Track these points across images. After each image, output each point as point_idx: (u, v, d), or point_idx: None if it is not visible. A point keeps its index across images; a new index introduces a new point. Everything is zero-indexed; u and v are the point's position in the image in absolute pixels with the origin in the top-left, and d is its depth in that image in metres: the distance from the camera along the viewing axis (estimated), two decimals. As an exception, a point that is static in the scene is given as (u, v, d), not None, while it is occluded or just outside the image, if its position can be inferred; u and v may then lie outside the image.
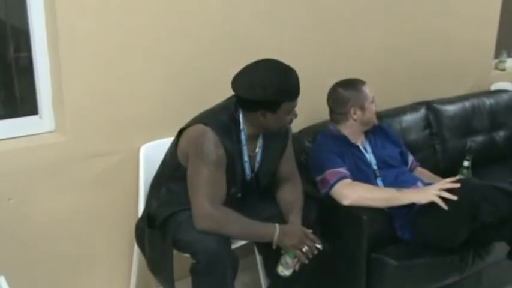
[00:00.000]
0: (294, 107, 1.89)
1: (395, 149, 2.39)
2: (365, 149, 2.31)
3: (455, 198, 1.92)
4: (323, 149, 2.27)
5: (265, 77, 1.82)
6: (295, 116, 1.93)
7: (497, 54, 3.86)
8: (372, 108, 2.33)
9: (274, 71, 1.84)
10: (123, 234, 2.27)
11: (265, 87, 1.80)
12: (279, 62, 1.86)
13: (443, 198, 1.94)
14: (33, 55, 2.06)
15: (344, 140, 2.30)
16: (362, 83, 2.34)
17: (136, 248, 2.19)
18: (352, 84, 2.33)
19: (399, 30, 3.07)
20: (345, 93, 2.31)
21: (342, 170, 2.15)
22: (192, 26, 2.27)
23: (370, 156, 2.29)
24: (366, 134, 2.36)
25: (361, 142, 2.32)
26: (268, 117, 1.86)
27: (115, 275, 2.34)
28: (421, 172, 2.45)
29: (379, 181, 2.23)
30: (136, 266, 2.29)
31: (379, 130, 2.43)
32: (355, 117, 2.30)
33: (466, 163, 2.38)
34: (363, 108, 2.30)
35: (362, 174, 2.21)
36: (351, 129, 2.31)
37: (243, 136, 1.92)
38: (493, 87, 3.61)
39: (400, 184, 2.19)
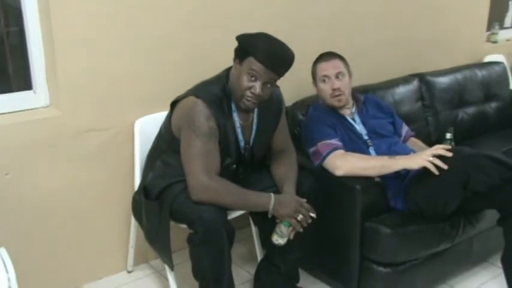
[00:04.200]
0: (257, 72, 1.82)
1: (386, 120, 2.41)
2: (354, 120, 2.32)
3: (445, 167, 1.94)
4: (315, 121, 2.29)
5: (261, 33, 1.88)
6: (255, 91, 1.84)
7: (489, 27, 3.86)
8: (322, 87, 2.29)
9: (271, 36, 1.88)
10: (120, 207, 2.30)
11: (252, 36, 1.87)
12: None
13: (436, 165, 1.97)
14: (25, 29, 2.05)
15: (334, 112, 2.32)
16: (321, 58, 2.32)
17: (133, 220, 2.23)
18: (316, 59, 2.35)
19: (392, 3, 3.07)
20: None
21: (334, 141, 2.18)
22: (184, 2, 2.26)
23: (360, 127, 2.30)
24: (358, 104, 2.38)
25: (349, 113, 2.34)
26: (237, 69, 1.88)
27: (113, 248, 2.38)
28: (415, 142, 2.47)
29: (371, 150, 2.25)
30: (133, 238, 2.33)
31: (372, 101, 2.45)
32: (317, 92, 2.35)
33: (448, 135, 2.40)
34: (316, 85, 2.34)
35: (354, 145, 2.24)
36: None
37: (233, 105, 1.94)
38: (486, 60, 3.62)
39: (393, 154, 2.21)
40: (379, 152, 2.24)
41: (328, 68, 2.27)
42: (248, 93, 1.86)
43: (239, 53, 1.88)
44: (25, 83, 2.13)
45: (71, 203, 2.20)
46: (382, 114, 2.42)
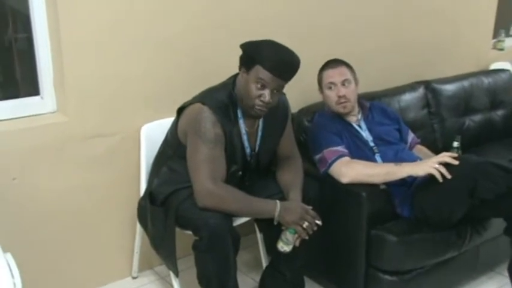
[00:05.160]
0: (265, 80, 1.82)
1: (392, 126, 2.41)
2: (360, 127, 2.32)
3: (449, 176, 1.93)
4: (321, 128, 2.29)
5: (266, 40, 1.88)
6: (265, 99, 1.84)
7: (495, 34, 3.86)
8: (328, 94, 2.29)
9: (276, 43, 1.88)
10: (126, 213, 2.30)
11: (258, 44, 1.86)
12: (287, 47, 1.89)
13: (442, 173, 1.96)
14: (33, 36, 2.06)
15: (340, 119, 2.32)
16: (327, 65, 2.32)
17: (138, 226, 2.23)
18: (322, 66, 2.35)
19: (398, 10, 3.07)
20: None
21: (340, 148, 2.17)
22: (189, 5, 2.27)
23: (366, 134, 2.30)
24: (363, 111, 2.38)
25: (355, 120, 2.34)
26: (244, 78, 1.88)
27: (118, 254, 2.38)
28: (421, 150, 2.46)
29: (377, 157, 2.24)
30: (138, 244, 2.32)
31: (378, 108, 2.45)
32: (323, 99, 2.35)
33: (455, 143, 2.41)
34: (322, 92, 2.34)
35: (360, 152, 2.24)
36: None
37: (239, 111, 1.94)
38: (492, 67, 3.62)
39: (399, 161, 2.21)
40: (385, 159, 2.24)
41: (335, 75, 2.28)
42: (258, 101, 1.86)
43: (245, 62, 1.88)
44: (33, 89, 2.14)
45: (77, 208, 2.20)
46: (388, 120, 2.42)
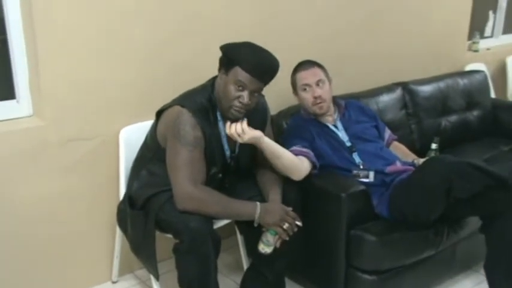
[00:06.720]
0: (243, 82, 1.83)
1: (370, 123, 2.43)
2: (336, 127, 2.33)
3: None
4: (290, 131, 2.32)
5: (246, 42, 1.89)
6: (243, 100, 1.85)
7: (470, 36, 3.93)
8: (303, 96, 2.29)
9: (255, 45, 1.89)
10: (105, 217, 2.28)
11: (237, 46, 1.87)
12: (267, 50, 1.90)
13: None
14: (8, 39, 2.03)
15: (315, 121, 2.33)
16: (300, 67, 2.31)
17: (118, 230, 2.21)
18: (294, 68, 2.34)
19: (375, 13, 3.11)
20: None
21: (296, 148, 2.15)
22: (166, 9, 2.27)
23: (342, 134, 2.31)
24: (340, 110, 2.40)
25: (331, 121, 2.35)
26: (223, 79, 1.88)
27: (98, 258, 2.35)
28: (398, 147, 2.49)
29: (355, 156, 2.26)
30: (118, 248, 2.31)
31: (354, 105, 2.47)
32: (298, 101, 2.35)
33: (433, 145, 2.43)
34: (297, 94, 2.34)
35: (338, 153, 2.26)
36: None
37: (219, 114, 1.95)
38: (468, 68, 3.68)
39: (379, 159, 2.24)
40: (363, 156, 2.25)
41: (308, 76, 2.28)
42: (236, 102, 1.87)
43: (224, 63, 1.89)
44: (8, 92, 2.10)
45: (55, 214, 2.17)
46: (365, 118, 2.44)
